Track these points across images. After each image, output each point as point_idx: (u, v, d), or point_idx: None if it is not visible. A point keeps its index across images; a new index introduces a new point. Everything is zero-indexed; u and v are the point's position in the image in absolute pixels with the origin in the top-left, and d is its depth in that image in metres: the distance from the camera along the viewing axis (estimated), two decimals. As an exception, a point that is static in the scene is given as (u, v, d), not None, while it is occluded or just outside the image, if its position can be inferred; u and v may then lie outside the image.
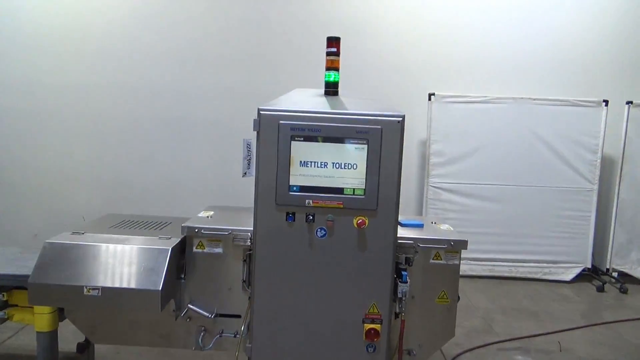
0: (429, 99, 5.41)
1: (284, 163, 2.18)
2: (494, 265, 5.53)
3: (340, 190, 2.20)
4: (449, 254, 2.51)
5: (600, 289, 5.35)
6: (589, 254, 5.56)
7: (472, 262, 5.42)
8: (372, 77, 5.56)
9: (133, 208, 5.53)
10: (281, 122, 2.16)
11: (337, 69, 2.51)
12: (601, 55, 5.65)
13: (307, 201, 2.20)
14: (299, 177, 2.20)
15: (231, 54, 5.63)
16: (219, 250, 2.54)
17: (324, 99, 2.48)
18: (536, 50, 5.63)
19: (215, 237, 2.53)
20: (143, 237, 2.54)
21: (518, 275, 5.53)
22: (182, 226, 2.52)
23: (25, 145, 5.70)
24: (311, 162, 2.19)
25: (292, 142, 2.17)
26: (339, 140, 2.18)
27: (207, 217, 2.74)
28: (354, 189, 2.20)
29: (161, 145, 5.73)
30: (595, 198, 5.49)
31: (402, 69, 5.65)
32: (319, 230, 2.24)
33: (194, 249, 2.54)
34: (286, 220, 2.22)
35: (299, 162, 2.19)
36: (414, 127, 5.51)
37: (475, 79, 5.62)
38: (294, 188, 2.20)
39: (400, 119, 2.17)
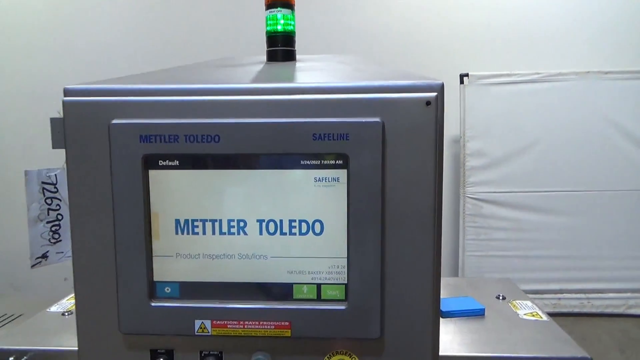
0: (461, 82, 4.32)
1: (131, 228, 0.85)
2: (559, 299, 4.43)
3: (284, 292, 0.86)
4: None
5: None
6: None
7: (531, 296, 4.21)
8: (378, 57, 4.40)
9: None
10: (115, 122, 0.82)
11: (289, 6, 1.18)
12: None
13: (199, 323, 0.86)
14: (174, 261, 0.86)
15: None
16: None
17: (258, 67, 1.15)
18: (604, 4, 4.46)
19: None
20: None
21: (593, 310, 4.39)
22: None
23: None
24: (204, 221, 0.85)
25: (149, 172, 0.84)
26: (272, 162, 0.83)
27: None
28: (318, 286, 0.85)
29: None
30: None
31: (421, 43, 4.49)
32: (235, 393, 0.89)
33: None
34: (151, 370, 0.89)
35: (173, 224, 0.85)
36: (442, 120, 4.43)
37: (523, 51, 4.50)
38: (165, 290, 0.87)
39: (432, 95, 0.82)
